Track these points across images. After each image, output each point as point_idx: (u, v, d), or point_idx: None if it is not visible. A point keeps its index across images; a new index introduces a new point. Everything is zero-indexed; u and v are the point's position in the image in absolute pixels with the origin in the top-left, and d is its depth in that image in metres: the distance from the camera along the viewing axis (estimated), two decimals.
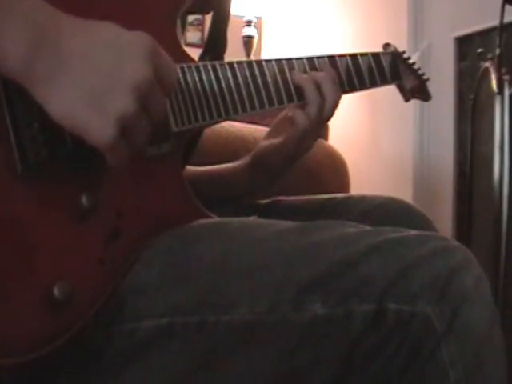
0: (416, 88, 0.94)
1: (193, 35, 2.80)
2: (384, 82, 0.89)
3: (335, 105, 0.82)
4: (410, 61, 0.93)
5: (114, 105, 0.52)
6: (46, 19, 0.53)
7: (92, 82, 0.53)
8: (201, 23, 2.95)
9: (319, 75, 0.80)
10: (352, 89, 0.86)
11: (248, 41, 2.72)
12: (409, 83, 0.93)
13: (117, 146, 0.54)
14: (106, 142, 0.53)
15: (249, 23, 2.73)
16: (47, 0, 0.55)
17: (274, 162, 0.85)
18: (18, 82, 0.52)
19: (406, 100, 0.95)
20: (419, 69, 0.94)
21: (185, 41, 2.63)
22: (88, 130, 0.53)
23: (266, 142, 0.87)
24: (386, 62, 0.89)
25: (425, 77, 0.95)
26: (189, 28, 2.78)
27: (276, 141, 0.84)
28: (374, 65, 0.87)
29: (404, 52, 0.93)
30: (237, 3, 2.61)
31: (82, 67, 0.53)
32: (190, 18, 2.85)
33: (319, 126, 0.82)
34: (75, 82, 0.52)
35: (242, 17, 2.72)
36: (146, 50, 0.55)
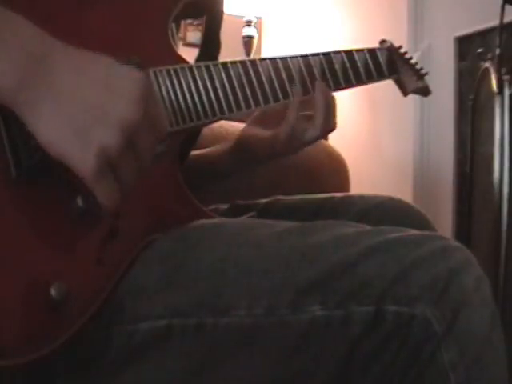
0: (414, 83, 0.94)
1: (193, 35, 2.80)
2: (381, 76, 0.89)
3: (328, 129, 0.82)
4: (407, 56, 0.93)
5: (99, 137, 0.52)
6: (38, 46, 0.54)
7: (79, 113, 0.53)
8: (201, 23, 2.95)
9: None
10: (348, 85, 0.85)
11: (248, 41, 2.72)
12: (407, 78, 0.92)
13: (101, 180, 0.53)
14: (88, 173, 0.53)
15: (249, 23, 2.72)
16: (45, 12, 0.55)
17: (261, 155, 0.85)
18: (8, 107, 0.53)
19: (405, 95, 0.94)
20: (417, 63, 0.94)
21: (184, 41, 2.60)
22: (71, 159, 0.53)
23: (254, 133, 0.86)
24: (382, 56, 0.88)
25: (423, 71, 0.95)
26: (189, 28, 2.78)
27: (264, 134, 0.84)
28: (370, 60, 0.87)
29: (401, 47, 0.92)
30: (237, 3, 2.61)
31: (71, 97, 0.53)
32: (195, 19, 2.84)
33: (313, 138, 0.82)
34: (62, 110, 0.53)
35: (242, 17, 2.72)
36: (138, 91, 0.55)
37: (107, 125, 0.53)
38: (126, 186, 0.56)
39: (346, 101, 2.38)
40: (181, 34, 2.71)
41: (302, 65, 0.81)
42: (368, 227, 0.62)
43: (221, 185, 0.93)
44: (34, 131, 0.53)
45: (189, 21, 2.84)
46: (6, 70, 0.52)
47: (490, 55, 1.67)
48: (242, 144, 0.86)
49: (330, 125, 0.82)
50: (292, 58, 0.81)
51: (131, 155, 0.55)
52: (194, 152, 0.90)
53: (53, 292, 0.55)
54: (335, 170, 1.58)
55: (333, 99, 0.82)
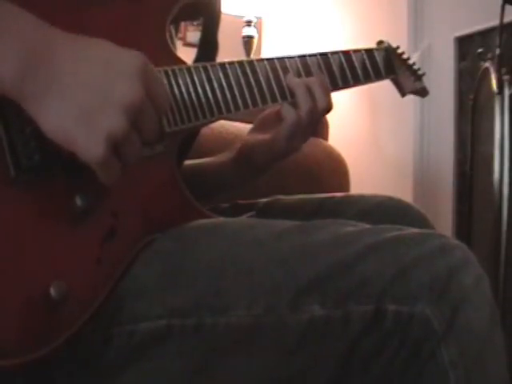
0: (412, 84, 0.93)
1: (193, 35, 2.80)
2: (378, 77, 0.89)
3: (326, 107, 0.81)
4: (405, 56, 0.93)
5: (104, 123, 0.53)
6: (39, 37, 0.54)
7: (83, 100, 0.53)
8: (201, 23, 2.94)
9: (310, 80, 0.80)
10: (346, 85, 0.85)
11: (248, 41, 2.71)
12: (404, 79, 0.92)
13: (107, 164, 0.55)
14: (96, 160, 0.54)
15: (249, 23, 2.72)
16: (42, 14, 0.55)
17: (261, 159, 0.84)
18: (11, 98, 0.53)
19: (403, 95, 0.94)
20: (414, 64, 0.94)
21: (184, 41, 2.59)
22: (78, 146, 0.54)
23: (254, 138, 0.85)
24: (379, 57, 0.88)
25: (420, 72, 0.94)
26: (189, 28, 2.78)
27: (264, 138, 0.83)
28: (367, 61, 0.87)
29: (398, 47, 0.92)
30: (237, 3, 2.61)
31: (74, 85, 0.54)
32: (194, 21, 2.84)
33: (309, 127, 0.81)
34: (66, 99, 0.53)
35: (242, 17, 2.71)
36: (138, 69, 0.55)
37: (112, 109, 0.53)
38: (128, 164, 0.57)
39: (346, 101, 2.38)
40: (181, 34, 2.71)
41: (299, 65, 0.81)
42: (367, 226, 0.62)
43: (224, 196, 0.92)
44: (40, 121, 0.53)
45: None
46: (9, 63, 0.52)
47: (490, 55, 1.67)
48: (243, 152, 0.86)
49: (325, 106, 0.81)
50: (290, 58, 0.81)
51: (135, 134, 0.56)
52: (197, 161, 0.91)
53: (52, 292, 0.55)
54: (335, 170, 1.58)
55: (321, 82, 0.81)
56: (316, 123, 0.82)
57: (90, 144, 0.53)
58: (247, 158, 0.86)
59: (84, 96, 0.53)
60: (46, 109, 0.53)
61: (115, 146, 0.54)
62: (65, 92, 0.53)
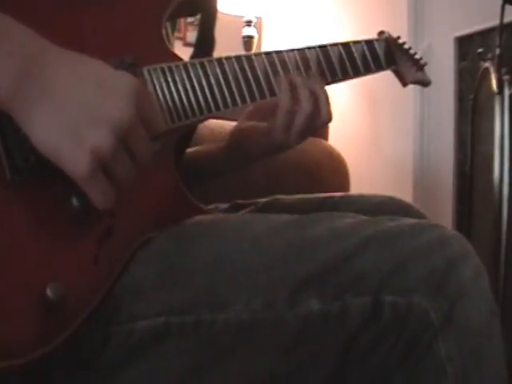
0: (414, 74, 0.93)
1: (193, 35, 2.80)
2: (379, 68, 0.88)
3: (328, 117, 0.80)
4: (406, 46, 0.92)
5: (90, 139, 0.53)
6: (34, 50, 0.54)
7: (71, 115, 0.53)
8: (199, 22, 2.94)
9: (313, 84, 0.79)
10: (346, 76, 0.84)
11: (248, 41, 2.71)
12: (406, 69, 0.92)
13: (93, 180, 0.54)
14: (80, 175, 0.54)
15: (249, 23, 2.72)
16: (41, 15, 0.55)
17: (255, 149, 0.84)
18: (3, 109, 0.53)
19: (404, 85, 0.93)
20: (416, 53, 0.93)
21: (184, 41, 2.58)
22: (63, 160, 0.54)
23: (248, 123, 0.84)
24: (380, 48, 0.88)
25: (422, 61, 0.94)
26: (189, 28, 2.78)
27: (260, 125, 0.82)
28: (367, 52, 0.86)
29: (399, 37, 0.92)
30: (237, 3, 2.61)
31: (64, 99, 0.54)
32: (190, 17, 2.84)
33: (309, 126, 0.79)
34: (56, 111, 0.53)
35: (242, 17, 2.71)
36: (130, 91, 0.56)
37: (99, 125, 0.53)
38: (122, 185, 0.57)
39: (346, 101, 2.38)
40: (181, 35, 2.71)
41: (298, 58, 0.81)
42: (364, 217, 0.61)
43: (218, 181, 0.92)
44: (29, 132, 0.54)
45: (189, 20, 2.84)
46: (2, 75, 0.52)
47: (490, 55, 1.67)
48: (236, 137, 0.86)
49: (327, 116, 0.80)
50: (288, 51, 0.80)
51: (125, 154, 0.56)
52: (190, 149, 0.90)
53: (49, 292, 0.55)
54: (335, 170, 1.58)
55: (324, 92, 0.80)
56: (318, 128, 0.81)
57: (73, 158, 0.53)
58: (240, 145, 0.85)
59: (73, 111, 0.54)
60: (34, 121, 0.53)
61: (103, 164, 0.54)
62: (54, 106, 0.53)
